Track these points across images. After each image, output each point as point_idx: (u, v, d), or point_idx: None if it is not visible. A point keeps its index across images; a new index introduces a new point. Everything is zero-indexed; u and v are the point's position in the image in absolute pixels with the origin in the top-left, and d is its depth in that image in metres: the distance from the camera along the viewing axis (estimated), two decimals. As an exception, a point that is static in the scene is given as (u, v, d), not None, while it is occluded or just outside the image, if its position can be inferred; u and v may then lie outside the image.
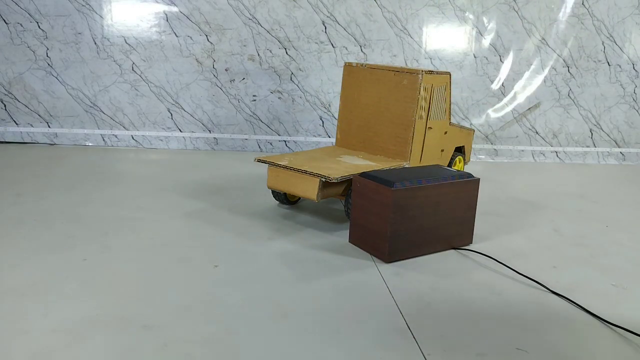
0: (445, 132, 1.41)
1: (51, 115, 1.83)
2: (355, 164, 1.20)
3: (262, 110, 1.91)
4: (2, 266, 0.87)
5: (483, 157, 2.03)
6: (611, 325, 0.78)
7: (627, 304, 0.86)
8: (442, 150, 1.42)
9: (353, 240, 1.06)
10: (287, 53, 1.87)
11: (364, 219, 1.02)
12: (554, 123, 2.07)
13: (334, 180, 1.04)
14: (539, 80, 2.03)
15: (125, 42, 1.80)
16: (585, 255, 1.06)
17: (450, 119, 1.40)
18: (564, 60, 2.01)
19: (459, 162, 1.53)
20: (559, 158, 2.09)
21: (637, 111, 2.10)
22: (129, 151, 1.82)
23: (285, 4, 1.83)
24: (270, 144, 1.95)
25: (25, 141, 1.83)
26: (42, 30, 1.76)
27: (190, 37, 1.82)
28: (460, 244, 1.06)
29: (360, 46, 1.90)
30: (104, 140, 1.86)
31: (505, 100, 2.03)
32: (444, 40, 1.93)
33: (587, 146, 2.11)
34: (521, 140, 2.07)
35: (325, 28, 1.87)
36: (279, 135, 1.94)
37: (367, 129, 1.33)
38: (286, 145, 1.95)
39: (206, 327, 0.72)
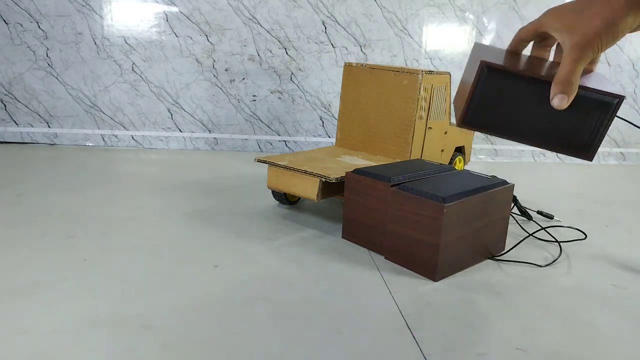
0: (445, 132, 1.41)
1: (51, 115, 1.83)
2: (356, 164, 1.20)
3: (262, 110, 1.92)
4: (2, 266, 0.87)
5: (483, 157, 2.03)
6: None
7: (627, 304, 0.86)
8: (442, 150, 1.42)
9: (346, 235, 1.07)
10: (287, 53, 1.87)
11: (358, 215, 1.03)
12: (554, 123, 2.07)
13: (333, 180, 1.04)
14: (539, 80, 2.04)
15: (126, 42, 1.80)
16: (585, 255, 1.06)
17: (450, 119, 1.40)
18: (564, 60, 2.01)
19: (459, 162, 1.53)
20: (559, 158, 2.09)
21: (637, 111, 2.10)
22: (129, 151, 1.82)
23: (285, 4, 1.83)
24: (270, 144, 1.95)
25: (25, 141, 1.83)
26: (42, 31, 1.76)
27: (190, 37, 1.82)
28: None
29: (360, 46, 1.90)
30: (104, 140, 1.87)
31: (505, 100, 2.03)
32: (444, 40, 1.93)
33: (587, 146, 2.11)
34: (521, 140, 2.07)
35: (325, 28, 1.87)
36: (279, 135, 1.94)
37: (367, 129, 1.33)
38: (286, 145, 1.95)
39: (206, 327, 0.72)
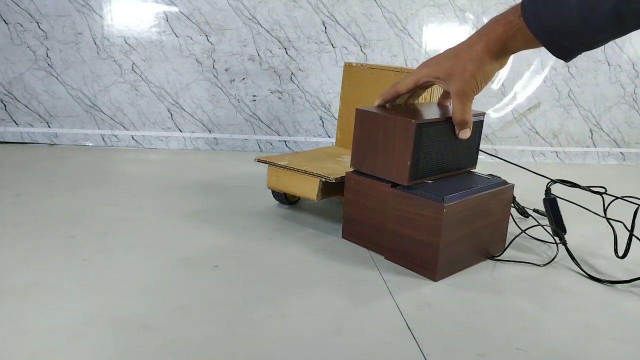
0: (445, 132, 1.41)
1: (51, 115, 1.83)
2: (355, 164, 1.20)
3: (262, 110, 1.92)
4: (2, 266, 0.87)
5: (483, 157, 2.03)
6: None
7: (627, 304, 0.86)
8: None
9: (346, 235, 1.07)
10: (287, 53, 1.87)
11: (358, 214, 1.03)
12: (554, 123, 2.07)
13: (333, 181, 1.04)
14: (539, 80, 2.03)
15: (125, 42, 1.80)
16: (585, 255, 1.06)
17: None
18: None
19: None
20: (559, 158, 2.10)
21: (637, 111, 2.10)
22: (129, 151, 1.83)
23: (285, 4, 1.83)
24: (270, 144, 1.95)
25: (25, 141, 1.83)
26: (42, 31, 1.76)
27: (190, 37, 1.82)
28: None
29: (360, 46, 1.90)
30: (104, 140, 1.87)
31: (505, 100, 2.03)
32: (444, 40, 1.93)
33: (587, 146, 2.11)
34: (521, 140, 2.07)
35: (325, 28, 1.87)
36: (279, 135, 1.94)
37: (367, 129, 1.33)
38: (286, 145, 1.95)
39: (206, 327, 0.72)
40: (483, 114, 0.96)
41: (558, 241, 1.01)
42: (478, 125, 0.96)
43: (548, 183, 1.09)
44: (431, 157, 0.93)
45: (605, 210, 1.07)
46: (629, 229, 1.00)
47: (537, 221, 1.23)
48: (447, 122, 0.89)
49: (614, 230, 1.03)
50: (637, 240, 1.01)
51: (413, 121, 0.86)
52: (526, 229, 1.12)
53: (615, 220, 1.05)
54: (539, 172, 1.17)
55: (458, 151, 0.98)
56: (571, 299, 0.87)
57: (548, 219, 1.06)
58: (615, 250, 0.99)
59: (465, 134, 0.82)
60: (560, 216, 1.06)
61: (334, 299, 0.82)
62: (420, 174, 0.93)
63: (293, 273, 0.91)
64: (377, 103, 0.90)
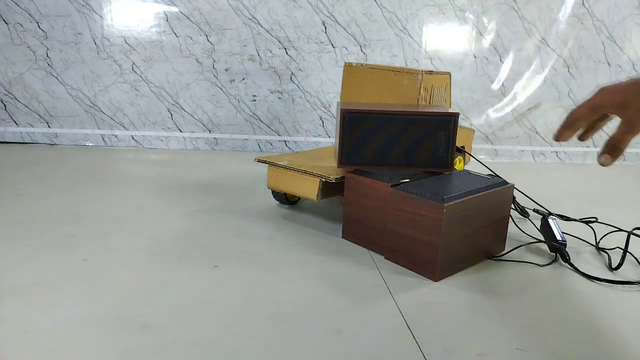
0: (445, 132, 1.40)
1: (51, 115, 1.83)
2: (355, 164, 1.20)
3: (262, 110, 1.92)
4: (2, 266, 0.87)
5: (483, 157, 2.03)
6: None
7: (627, 304, 0.86)
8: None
9: (346, 235, 1.07)
10: (287, 53, 1.87)
11: (358, 214, 1.03)
12: (554, 123, 2.07)
13: (333, 181, 1.04)
14: (539, 80, 2.04)
15: (125, 42, 1.80)
16: (585, 255, 1.06)
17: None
18: (564, 61, 2.01)
19: (459, 162, 1.53)
20: (559, 158, 2.10)
21: (637, 111, 2.10)
22: (129, 151, 1.83)
23: (285, 4, 1.83)
24: (270, 144, 1.95)
25: (25, 141, 1.83)
26: (42, 31, 1.76)
27: (190, 37, 1.82)
28: None
29: (360, 46, 1.90)
30: (104, 140, 1.87)
31: (505, 100, 2.03)
32: (444, 40, 1.93)
33: (587, 146, 2.11)
34: (521, 140, 2.07)
35: (325, 28, 1.87)
36: (279, 135, 1.94)
37: (367, 129, 1.33)
38: (286, 145, 1.95)
39: (206, 327, 0.72)
40: (456, 114, 0.95)
41: (561, 260, 1.02)
42: (447, 123, 0.95)
43: (545, 215, 1.12)
44: (368, 146, 0.98)
45: (597, 243, 1.10)
46: (623, 248, 1.04)
47: (537, 227, 1.23)
48: (391, 116, 0.93)
49: (608, 255, 1.05)
50: (631, 256, 1.04)
51: (342, 109, 0.93)
52: (536, 242, 1.11)
53: (608, 250, 1.08)
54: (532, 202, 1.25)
55: (414, 148, 0.99)
56: (571, 299, 0.87)
57: (548, 239, 1.07)
58: (610, 265, 1.00)
59: (605, 159, 0.74)
60: (560, 231, 1.07)
61: (334, 299, 0.82)
62: (354, 160, 1.00)
63: (293, 273, 0.91)
64: (555, 134, 0.85)
